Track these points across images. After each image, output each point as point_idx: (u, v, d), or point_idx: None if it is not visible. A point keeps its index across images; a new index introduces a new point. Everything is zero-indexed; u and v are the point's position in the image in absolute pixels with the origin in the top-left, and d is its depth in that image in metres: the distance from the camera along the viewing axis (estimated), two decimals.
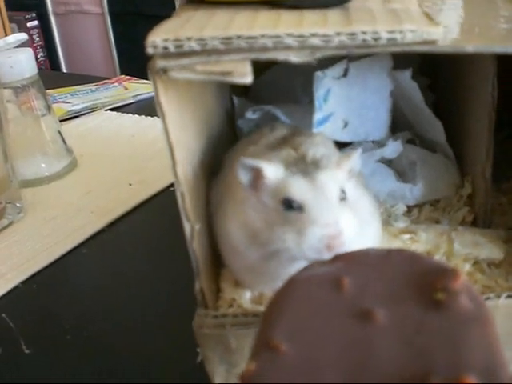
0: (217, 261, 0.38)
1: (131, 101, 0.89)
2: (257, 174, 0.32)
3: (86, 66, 2.41)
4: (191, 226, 0.33)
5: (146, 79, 0.96)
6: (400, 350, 0.25)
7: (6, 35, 2.10)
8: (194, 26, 0.29)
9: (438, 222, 0.42)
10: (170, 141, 0.31)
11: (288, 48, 0.28)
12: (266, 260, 0.33)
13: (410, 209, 0.43)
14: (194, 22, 0.30)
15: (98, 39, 2.39)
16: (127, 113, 0.85)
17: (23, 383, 0.41)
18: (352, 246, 0.30)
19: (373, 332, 0.26)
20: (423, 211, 0.43)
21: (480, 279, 0.37)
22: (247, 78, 0.28)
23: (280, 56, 0.28)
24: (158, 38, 0.28)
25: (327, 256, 0.29)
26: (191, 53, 0.28)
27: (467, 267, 0.38)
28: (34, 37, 2.29)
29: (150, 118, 0.81)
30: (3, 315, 0.47)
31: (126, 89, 0.93)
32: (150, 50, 0.28)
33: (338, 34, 0.27)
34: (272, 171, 0.32)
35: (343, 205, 0.31)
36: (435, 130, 0.45)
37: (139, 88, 0.92)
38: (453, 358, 0.24)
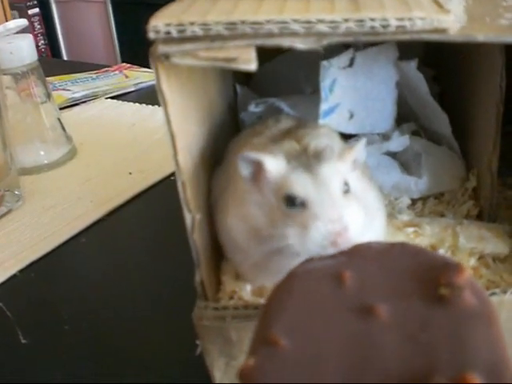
0: (217, 252, 0.37)
1: (132, 89, 0.88)
2: (258, 168, 0.32)
3: (86, 53, 2.40)
4: (192, 216, 0.32)
5: (147, 67, 0.95)
6: (403, 346, 0.24)
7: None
8: (197, 10, 0.29)
9: (442, 215, 0.42)
10: (172, 129, 0.30)
11: (294, 34, 0.27)
12: (269, 255, 0.32)
13: (414, 202, 0.43)
14: (197, 6, 0.30)
15: (99, 27, 2.38)
16: (128, 101, 0.84)
17: (20, 374, 0.40)
18: (358, 239, 0.30)
19: (375, 327, 0.25)
20: (427, 204, 0.43)
21: (485, 274, 0.36)
22: (252, 65, 0.27)
23: (285, 42, 0.27)
24: (160, 22, 0.27)
25: (332, 252, 0.29)
26: (194, 38, 0.27)
27: (472, 262, 0.37)
28: (35, 24, 2.28)
29: (150, 106, 0.80)
30: (0, 304, 0.46)
31: (127, 77, 0.92)
32: (151, 35, 0.28)
33: (346, 20, 0.27)
34: (273, 165, 0.31)
35: (348, 198, 0.31)
36: (440, 122, 0.44)
37: (140, 76, 0.91)
38: (457, 355, 0.24)
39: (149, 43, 0.28)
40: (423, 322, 0.25)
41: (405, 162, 0.44)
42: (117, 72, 0.94)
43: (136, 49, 2.19)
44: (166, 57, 0.28)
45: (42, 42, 2.32)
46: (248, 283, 0.36)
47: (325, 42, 0.27)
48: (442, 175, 0.43)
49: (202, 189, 0.36)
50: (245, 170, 0.32)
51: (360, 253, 0.29)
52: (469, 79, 0.44)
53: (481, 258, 0.38)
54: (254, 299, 0.36)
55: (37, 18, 2.31)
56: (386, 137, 0.44)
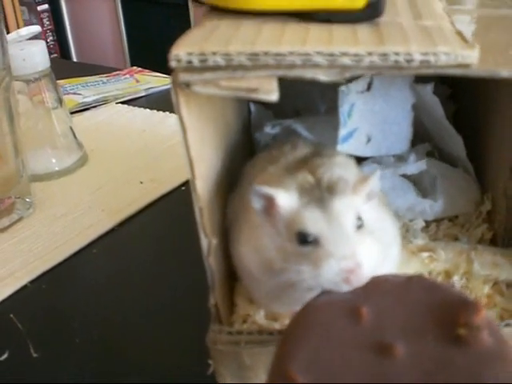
0: (231, 274, 0.37)
1: (143, 94, 0.87)
2: (270, 202, 0.31)
3: (95, 50, 2.41)
4: (208, 241, 0.32)
5: (156, 69, 0.95)
6: None
7: (17, 18, 2.09)
8: (219, 38, 0.29)
9: (456, 238, 0.42)
10: (191, 155, 0.30)
11: (316, 66, 0.27)
12: (282, 287, 0.32)
13: (428, 224, 0.43)
14: (218, 34, 0.29)
15: (108, 24, 2.38)
16: (138, 106, 0.83)
17: None
18: (371, 274, 0.30)
19: (392, 366, 0.25)
20: (441, 227, 0.42)
21: (499, 302, 0.36)
22: (273, 96, 0.27)
23: (308, 74, 0.27)
24: (182, 51, 0.27)
25: (346, 289, 0.28)
26: (216, 67, 0.27)
27: (486, 289, 0.37)
28: (44, 20, 2.28)
29: (161, 112, 0.80)
30: (11, 316, 0.46)
31: (138, 81, 0.91)
32: (173, 64, 0.28)
33: (370, 53, 0.26)
34: (285, 200, 0.31)
35: (361, 233, 0.30)
36: (456, 144, 0.44)
37: (151, 81, 0.91)
38: None
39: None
40: (440, 363, 0.25)
41: (419, 183, 0.44)
42: (127, 76, 0.94)
43: (144, 45, 2.20)
44: (187, 85, 0.28)
45: (51, 38, 2.32)
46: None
47: (347, 74, 0.27)
48: (457, 198, 0.43)
49: (217, 212, 0.36)
50: (257, 204, 0.32)
51: (377, 286, 0.29)
52: (486, 100, 0.44)
53: (495, 284, 0.38)
54: (267, 323, 0.36)
55: (46, 14, 2.31)
56: (400, 158, 0.44)
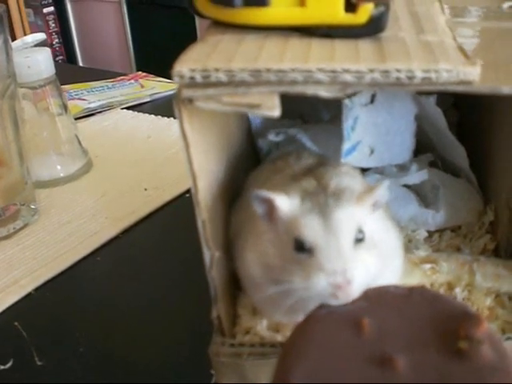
0: (234, 285, 0.38)
1: (147, 99, 0.88)
2: (271, 206, 0.31)
3: (100, 52, 2.41)
4: (211, 254, 0.33)
5: (161, 72, 0.95)
6: None
7: (22, 20, 2.10)
8: (221, 55, 0.29)
9: (458, 248, 0.42)
10: (194, 170, 0.30)
11: (318, 83, 0.27)
12: (282, 295, 0.32)
13: (430, 234, 0.43)
14: (221, 49, 0.30)
15: (113, 27, 2.39)
16: (143, 112, 0.84)
17: None
18: (373, 281, 0.30)
19: (393, 379, 0.25)
20: (444, 237, 0.43)
21: (501, 314, 0.36)
22: (275, 112, 0.27)
23: (309, 90, 0.27)
24: (185, 67, 0.28)
25: (334, 303, 0.28)
26: (218, 83, 0.28)
27: (488, 302, 0.37)
28: (50, 23, 2.29)
29: (166, 118, 0.80)
30: (15, 323, 0.46)
31: (143, 86, 0.92)
32: (176, 80, 0.28)
33: (371, 70, 0.27)
34: (285, 204, 0.31)
35: (359, 247, 0.30)
36: (458, 154, 0.44)
37: (156, 86, 0.91)
38: None
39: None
40: (441, 376, 0.25)
41: (421, 193, 0.44)
42: (132, 81, 0.94)
43: (149, 48, 2.20)
44: (190, 100, 0.28)
45: (57, 40, 2.33)
46: (264, 318, 0.36)
47: (349, 90, 0.27)
48: (459, 208, 0.43)
49: (220, 224, 0.36)
50: (259, 208, 0.32)
51: (378, 298, 0.29)
52: (489, 111, 0.44)
53: (497, 297, 0.38)
54: (270, 335, 0.36)
55: (51, 16, 2.32)
56: (403, 168, 0.44)
